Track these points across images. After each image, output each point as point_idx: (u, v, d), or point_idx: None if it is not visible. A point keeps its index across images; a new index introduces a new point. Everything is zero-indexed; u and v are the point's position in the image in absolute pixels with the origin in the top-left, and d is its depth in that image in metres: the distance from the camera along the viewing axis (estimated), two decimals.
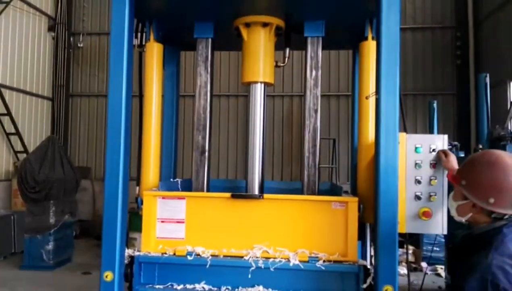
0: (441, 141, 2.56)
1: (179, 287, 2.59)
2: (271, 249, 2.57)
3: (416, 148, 2.55)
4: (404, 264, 6.86)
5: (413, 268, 7.20)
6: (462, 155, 5.60)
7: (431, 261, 7.01)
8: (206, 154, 2.86)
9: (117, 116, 2.51)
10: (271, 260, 2.51)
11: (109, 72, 2.52)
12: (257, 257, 2.54)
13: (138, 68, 3.07)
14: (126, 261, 2.58)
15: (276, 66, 2.94)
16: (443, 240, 6.77)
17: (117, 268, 2.48)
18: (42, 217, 7.10)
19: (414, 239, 7.52)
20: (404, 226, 2.54)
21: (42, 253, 7.11)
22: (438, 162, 2.53)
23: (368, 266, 2.48)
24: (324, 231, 2.58)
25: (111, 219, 2.50)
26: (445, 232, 2.55)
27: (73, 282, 6.48)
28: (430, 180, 2.54)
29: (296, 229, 2.59)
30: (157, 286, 2.61)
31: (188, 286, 2.60)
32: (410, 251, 7.28)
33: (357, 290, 2.47)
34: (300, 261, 2.50)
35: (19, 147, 9.58)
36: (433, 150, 2.54)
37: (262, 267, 2.50)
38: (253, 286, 2.55)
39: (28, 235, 7.15)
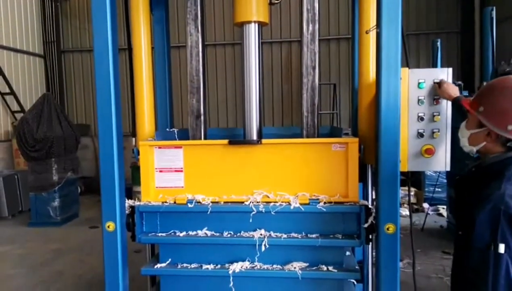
0: (445, 74, 2.45)
1: (181, 234, 2.60)
2: (272, 193, 2.55)
3: (419, 83, 2.45)
4: (406, 205, 6.96)
5: (415, 209, 7.31)
6: (466, 94, 5.49)
7: (433, 202, 7.11)
8: (202, 117, 2.74)
9: (105, 66, 2.37)
10: (271, 204, 2.49)
11: (92, 20, 2.37)
12: (257, 202, 2.52)
13: (125, 16, 2.90)
14: (127, 211, 2.58)
15: (270, 3, 2.77)
16: (445, 180, 6.81)
17: (118, 218, 2.47)
18: (45, 175, 7.14)
19: (416, 177, 7.57)
20: (406, 164, 2.49)
21: (48, 210, 7.22)
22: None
23: (370, 206, 2.46)
24: (325, 174, 2.54)
25: (108, 171, 2.45)
26: (448, 169, 2.50)
27: (81, 236, 6.62)
28: (433, 116, 2.47)
29: (296, 173, 2.55)
30: (159, 234, 2.63)
31: (190, 232, 2.61)
32: (412, 193, 7.36)
33: (358, 230, 2.48)
34: (301, 204, 2.48)
35: (15, 107, 9.48)
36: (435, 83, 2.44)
37: (263, 211, 2.49)
38: (254, 230, 2.56)
39: (33, 193, 7.23)
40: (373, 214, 2.41)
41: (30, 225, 7.28)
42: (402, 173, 2.38)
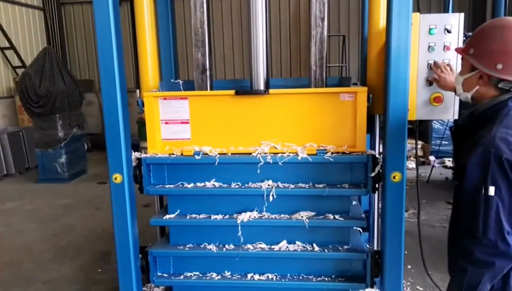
0: (456, 20, 2.36)
1: (189, 186, 2.63)
2: (279, 144, 2.54)
3: (430, 29, 2.36)
4: (412, 158, 6.97)
5: (421, 162, 7.33)
6: None
7: (439, 155, 7.11)
8: (208, 72, 2.67)
9: (105, 17, 2.29)
10: (279, 155, 2.49)
11: None
12: (265, 153, 2.52)
13: None
14: (134, 164, 2.58)
15: None
16: None
17: (125, 169, 2.48)
18: (50, 131, 7.16)
19: (423, 130, 7.53)
20: (414, 113, 2.45)
21: (56, 166, 7.30)
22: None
23: (377, 156, 2.45)
24: (332, 124, 2.51)
25: (113, 122, 2.43)
26: (456, 117, 2.46)
27: (89, 192, 6.72)
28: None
29: (304, 123, 2.53)
30: (167, 186, 2.65)
31: (198, 184, 2.63)
32: (419, 146, 7.35)
33: (365, 180, 2.49)
34: (308, 155, 2.47)
35: (16, 62, 9.35)
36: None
37: (271, 162, 2.49)
38: (262, 181, 2.57)
39: (39, 149, 7.27)
40: (380, 163, 2.40)
41: (38, 181, 7.39)
42: (410, 123, 2.35)
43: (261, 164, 2.50)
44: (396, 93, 2.24)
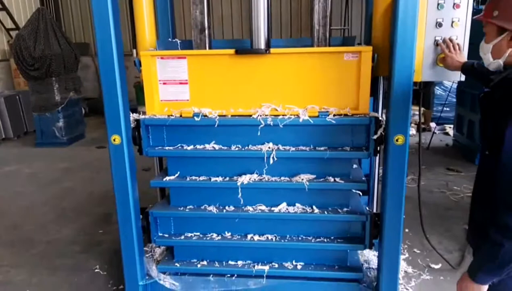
0: None
1: (189, 148, 2.60)
2: (280, 106, 2.50)
3: None
4: (413, 124, 6.94)
5: (422, 128, 7.29)
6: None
7: (440, 121, 7.08)
8: (206, 31, 2.57)
9: None
10: (280, 117, 2.45)
11: None
12: (265, 115, 2.48)
13: None
14: (132, 125, 2.54)
15: None
16: (454, 99, 6.71)
17: (123, 130, 2.45)
18: (47, 95, 7.06)
19: (426, 91, 7.42)
20: (420, 74, 2.38)
21: (54, 130, 7.25)
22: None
23: (380, 118, 2.41)
24: (335, 85, 2.45)
25: (110, 82, 2.37)
26: (463, 79, 2.40)
27: (88, 155, 6.71)
28: (452, 22, 2.30)
29: (306, 84, 2.47)
30: (167, 148, 2.62)
31: (198, 146, 2.60)
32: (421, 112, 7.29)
33: (367, 143, 2.46)
34: (310, 117, 2.43)
35: (9, 24, 9.12)
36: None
37: (271, 124, 2.45)
38: (262, 143, 2.54)
39: (37, 113, 7.20)
40: (383, 126, 2.37)
41: (36, 145, 7.34)
42: (414, 84, 2.28)
43: (261, 126, 2.47)
44: (403, 53, 2.17)
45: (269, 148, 2.51)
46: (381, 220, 2.47)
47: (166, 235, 2.75)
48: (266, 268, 2.65)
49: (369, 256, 2.95)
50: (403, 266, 3.15)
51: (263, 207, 2.62)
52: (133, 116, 2.57)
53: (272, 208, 2.61)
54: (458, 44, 2.31)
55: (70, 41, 7.37)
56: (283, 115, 2.46)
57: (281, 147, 2.53)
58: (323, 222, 2.61)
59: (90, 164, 6.22)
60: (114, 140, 2.48)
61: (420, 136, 3.04)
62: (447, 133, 7.23)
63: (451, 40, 2.32)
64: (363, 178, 2.63)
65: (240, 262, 2.73)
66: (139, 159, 2.63)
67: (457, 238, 3.61)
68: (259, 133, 2.50)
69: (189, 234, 2.73)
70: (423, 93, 2.64)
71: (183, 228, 2.75)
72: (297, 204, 2.62)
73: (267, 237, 2.66)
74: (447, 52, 2.29)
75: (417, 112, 3.03)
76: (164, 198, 2.93)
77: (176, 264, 2.77)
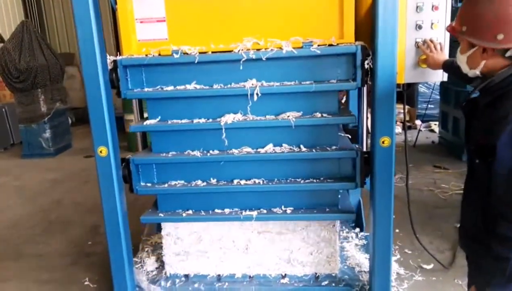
0: None
1: (169, 88, 2.49)
2: (262, 40, 2.38)
3: None
4: (399, 123, 7.00)
5: (408, 126, 7.36)
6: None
7: (425, 119, 7.15)
8: None
9: None
10: (262, 50, 2.34)
11: None
12: (247, 49, 2.36)
13: None
14: (109, 67, 2.42)
15: None
16: (438, 97, 6.79)
17: (110, 142, 2.43)
18: (33, 106, 6.99)
19: (409, 95, 7.50)
20: (402, 76, 2.41)
21: (40, 141, 7.18)
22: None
23: (364, 45, 2.30)
24: (318, 15, 2.36)
25: (94, 94, 2.36)
26: (445, 79, 2.44)
27: (76, 166, 6.64)
28: (432, 24, 2.34)
29: (288, 15, 2.38)
30: (146, 90, 2.51)
31: (178, 87, 2.49)
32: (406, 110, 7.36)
33: (354, 73, 2.34)
34: (294, 48, 2.32)
35: None
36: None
37: (254, 58, 2.33)
38: (245, 80, 2.43)
39: (23, 125, 7.13)
40: (370, 57, 2.27)
41: (23, 157, 7.25)
42: (397, 86, 2.31)
43: (243, 60, 2.35)
44: (385, 56, 2.18)
45: (252, 84, 2.39)
46: (372, 222, 2.47)
47: (149, 184, 2.63)
48: (254, 213, 2.53)
49: (361, 260, 2.97)
50: (395, 267, 3.16)
51: (249, 149, 2.51)
52: (110, 57, 2.44)
53: (258, 150, 2.51)
54: (440, 44, 2.34)
55: (55, 52, 7.33)
56: (265, 48, 2.35)
57: (265, 83, 2.41)
58: (312, 162, 2.51)
59: (77, 174, 6.16)
60: (100, 152, 2.46)
61: (406, 135, 3.07)
62: (432, 131, 7.31)
63: (431, 40, 2.35)
64: (352, 113, 2.57)
65: (227, 210, 2.61)
66: None
67: (448, 237, 3.64)
68: (241, 68, 2.38)
69: (173, 182, 2.61)
70: (407, 92, 2.65)
71: (166, 176, 2.63)
72: (284, 145, 2.51)
73: (254, 181, 2.54)
74: (428, 52, 2.33)
75: (402, 111, 3.05)
76: (146, 148, 2.84)
77: (160, 214, 2.66)
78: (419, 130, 6.83)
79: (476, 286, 1.54)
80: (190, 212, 2.65)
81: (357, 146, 2.73)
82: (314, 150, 2.47)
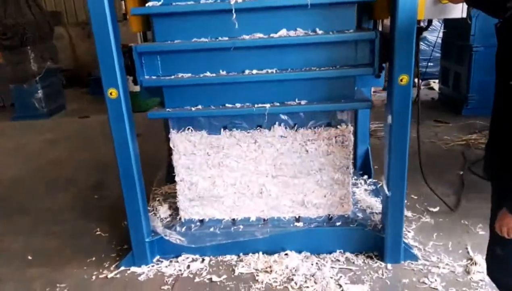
0: None
1: None
2: None
3: None
4: None
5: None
6: None
7: (425, 77, 7.11)
8: None
9: None
10: None
11: None
12: None
13: None
14: None
15: None
16: (438, 54, 6.74)
17: (119, 83, 2.36)
18: (22, 65, 6.75)
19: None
20: (423, 12, 2.35)
21: (33, 102, 6.99)
22: None
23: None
24: None
25: (103, 31, 2.26)
26: (464, 15, 2.39)
27: (72, 126, 6.52)
28: None
29: None
30: None
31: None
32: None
33: None
34: None
35: None
36: None
37: None
38: None
39: (13, 85, 6.92)
40: None
41: (16, 118, 7.05)
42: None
43: None
44: None
45: None
46: (386, 159, 2.47)
47: (154, 77, 2.47)
48: (267, 106, 2.43)
49: (371, 202, 3.00)
50: None
51: (261, 35, 2.38)
52: None
53: (271, 35, 2.37)
54: None
55: (43, 8, 7.04)
56: None
57: None
58: (328, 47, 2.37)
59: (74, 134, 6.05)
60: (111, 94, 2.39)
61: (419, 81, 3.03)
62: (431, 88, 7.30)
63: None
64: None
65: (238, 104, 2.49)
66: None
67: (451, 183, 3.70)
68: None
69: (180, 74, 2.45)
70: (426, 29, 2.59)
71: (173, 68, 2.45)
72: (298, 29, 2.38)
73: (267, 71, 2.41)
74: None
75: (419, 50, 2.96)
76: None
77: (168, 109, 2.53)
78: (419, 87, 6.79)
79: (507, 206, 1.53)
80: (199, 107, 2.51)
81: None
82: (331, 33, 2.35)
